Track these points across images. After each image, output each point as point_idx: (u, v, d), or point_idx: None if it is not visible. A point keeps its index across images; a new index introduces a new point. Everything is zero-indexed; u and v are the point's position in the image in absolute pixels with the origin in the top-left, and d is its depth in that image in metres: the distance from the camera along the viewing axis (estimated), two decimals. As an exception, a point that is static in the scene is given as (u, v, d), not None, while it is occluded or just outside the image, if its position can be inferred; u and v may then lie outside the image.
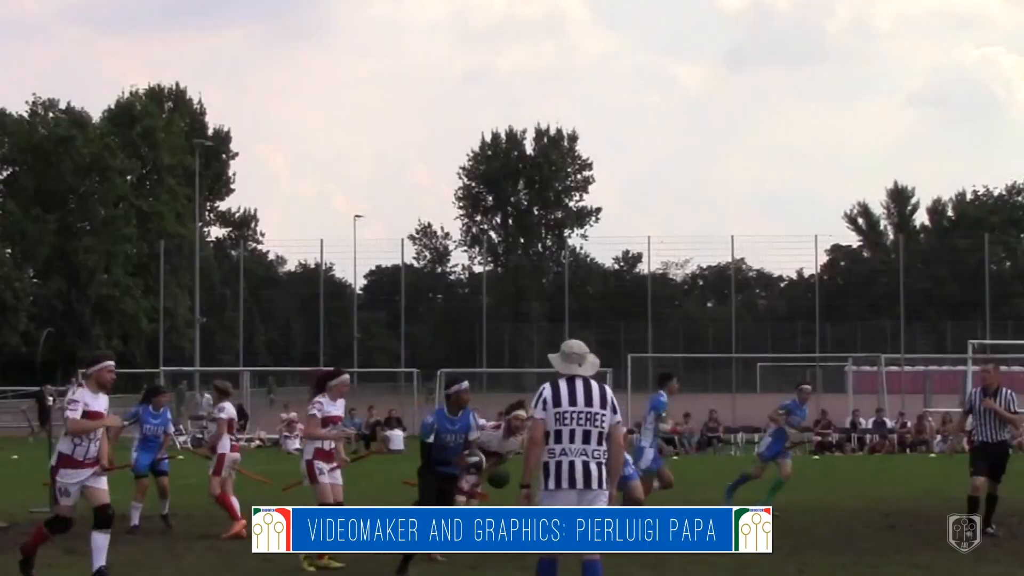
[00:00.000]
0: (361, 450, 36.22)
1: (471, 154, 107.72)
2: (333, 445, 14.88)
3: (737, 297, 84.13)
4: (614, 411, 10.55)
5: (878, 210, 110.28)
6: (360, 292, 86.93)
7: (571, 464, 10.34)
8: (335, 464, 14.84)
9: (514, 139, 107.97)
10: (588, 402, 10.45)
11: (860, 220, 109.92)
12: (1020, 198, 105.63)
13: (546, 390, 10.56)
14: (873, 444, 39.52)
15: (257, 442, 41.31)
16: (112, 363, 13.37)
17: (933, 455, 37.39)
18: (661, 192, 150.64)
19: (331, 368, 17.04)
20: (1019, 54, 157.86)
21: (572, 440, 10.37)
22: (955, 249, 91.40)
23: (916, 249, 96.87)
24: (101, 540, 12.96)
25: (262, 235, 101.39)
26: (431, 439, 14.14)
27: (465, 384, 14.44)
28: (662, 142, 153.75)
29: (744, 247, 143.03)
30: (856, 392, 48.82)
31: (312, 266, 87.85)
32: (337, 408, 14.95)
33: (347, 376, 15.31)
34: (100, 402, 13.07)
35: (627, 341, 65.14)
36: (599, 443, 10.42)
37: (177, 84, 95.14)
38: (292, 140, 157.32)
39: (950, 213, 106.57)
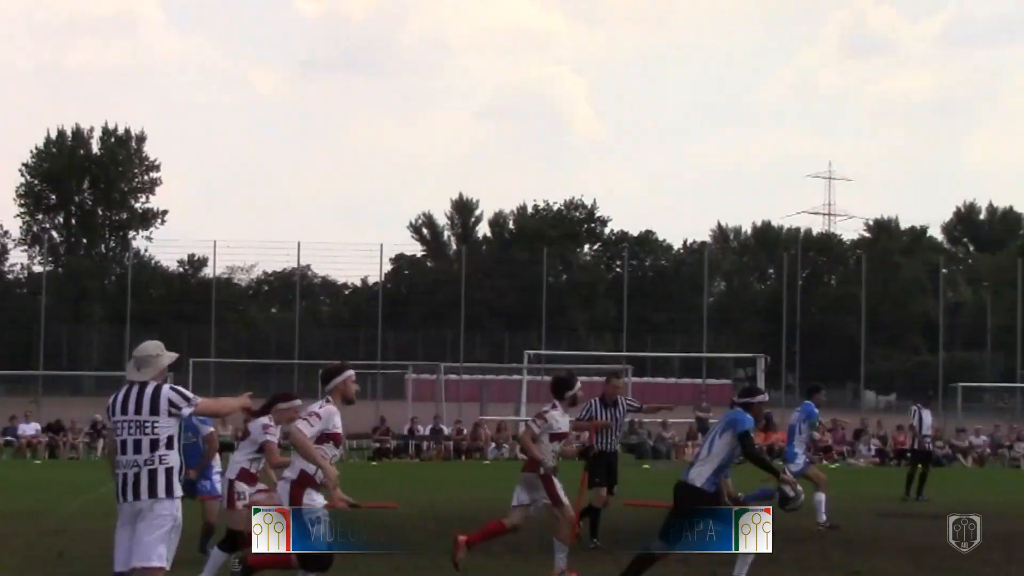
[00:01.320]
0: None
1: (34, 151, 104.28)
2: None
3: (301, 303, 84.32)
4: (170, 415, 10.08)
5: (442, 221, 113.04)
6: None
7: (123, 477, 10.03)
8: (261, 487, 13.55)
9: (80, 137, 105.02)
10: (138, 409, 10.08)
11: (425, 230, 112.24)
12: (577, 213, 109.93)
13: (110, 400, 10.30)
14: (429, 451, 40.20)
15: None
16: (353, 373, 11.90)
17: (487, 461, 38.56)
18: (229, 196, 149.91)
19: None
20: (580, 74, 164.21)
21: (124, 451, 10.06)
22: (514, 261, 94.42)
23: (477, 260, 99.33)
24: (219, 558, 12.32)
25: None
26: None
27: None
28: (233, 146, 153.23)
29: (310, 253, 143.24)
30: (415, 399, 48.92)
31: None
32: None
33: (298, 402, 14.39)
34: (338, 420, 11.63)
35: (191, 345, 64.44)
36: (152, 450, 9.99)
37: None
38: None
39: (511, 226, 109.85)
